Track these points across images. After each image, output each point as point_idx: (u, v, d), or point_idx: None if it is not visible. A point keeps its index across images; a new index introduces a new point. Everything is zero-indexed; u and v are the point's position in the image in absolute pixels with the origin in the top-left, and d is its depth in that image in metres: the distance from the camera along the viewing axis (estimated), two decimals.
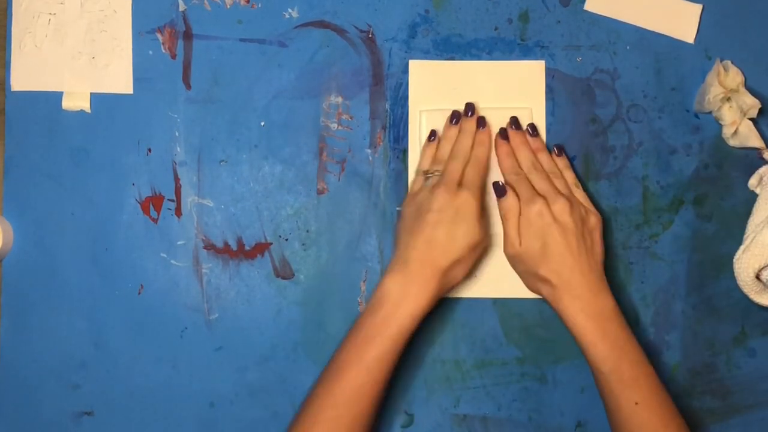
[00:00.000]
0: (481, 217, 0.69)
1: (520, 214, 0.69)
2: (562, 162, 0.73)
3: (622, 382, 0.65)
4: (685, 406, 0.74)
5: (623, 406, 0.65)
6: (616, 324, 0.67)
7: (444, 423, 0.74)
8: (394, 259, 0.68)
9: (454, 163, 0.70)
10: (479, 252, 0.70)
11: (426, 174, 0.71)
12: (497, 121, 0.74)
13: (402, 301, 0.66)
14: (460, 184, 0.69)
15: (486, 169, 0.72)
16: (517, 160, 0.72)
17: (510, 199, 0.69)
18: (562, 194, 0.69)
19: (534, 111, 0.74)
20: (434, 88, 0.75)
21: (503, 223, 0.70)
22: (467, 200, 0.68)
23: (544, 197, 0.69)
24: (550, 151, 0.73)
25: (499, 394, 0.74)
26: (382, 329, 0.65)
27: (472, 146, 0.72)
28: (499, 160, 0.72)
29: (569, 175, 0.72)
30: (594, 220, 0.70)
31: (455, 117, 0.73)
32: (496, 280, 0.74)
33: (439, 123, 0.74)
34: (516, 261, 0.70)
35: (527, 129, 0.73)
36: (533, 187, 0.70)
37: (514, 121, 0.73)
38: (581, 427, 0.74)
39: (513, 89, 0.74)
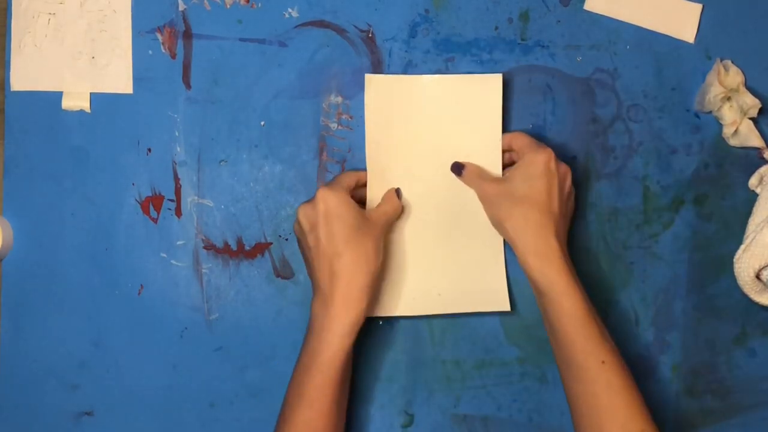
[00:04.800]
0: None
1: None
2: None
3: None
4: (685, 406, 0.74)
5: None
6: None
7: (444, 423, 0.74)
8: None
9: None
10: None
11: None
12: (457, 133, 0.72)
13: (325, 326, 0.64)
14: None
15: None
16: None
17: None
18: None
19: (490, 124, 0.72)
20: (391, 103, 0.72)
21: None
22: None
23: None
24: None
25: (499, 394, 0.74)
26: (315, 358, 0.64)
27: None
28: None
29: None
30: None
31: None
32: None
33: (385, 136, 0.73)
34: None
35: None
36: None
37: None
38: None
39: (470, 103, 0.72)
